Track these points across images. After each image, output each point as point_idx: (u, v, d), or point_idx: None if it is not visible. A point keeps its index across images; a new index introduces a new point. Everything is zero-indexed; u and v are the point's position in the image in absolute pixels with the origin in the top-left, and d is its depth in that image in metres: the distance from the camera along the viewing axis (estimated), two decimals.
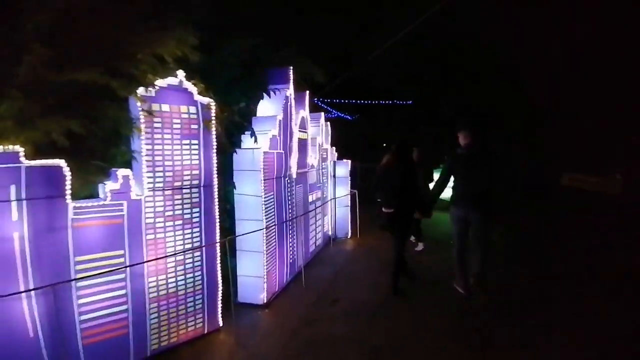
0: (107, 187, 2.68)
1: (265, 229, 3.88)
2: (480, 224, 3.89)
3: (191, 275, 3.16)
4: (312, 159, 5.78)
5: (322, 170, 6.39)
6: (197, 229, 3.18)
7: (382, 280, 4.55)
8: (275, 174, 4.21)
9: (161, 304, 2.99)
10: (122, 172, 2.73)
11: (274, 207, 4.16)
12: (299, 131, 5.08)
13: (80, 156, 2.77)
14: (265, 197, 3.91)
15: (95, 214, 2.65)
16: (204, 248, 3.22)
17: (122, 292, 2.78)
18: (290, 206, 4.71)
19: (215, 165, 3.30)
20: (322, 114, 6.49)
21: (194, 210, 3.15)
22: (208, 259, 3.27)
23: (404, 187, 4.14)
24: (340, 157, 10.70)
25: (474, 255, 3.96)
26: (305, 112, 5.32)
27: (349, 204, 7.01)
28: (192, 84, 3.05)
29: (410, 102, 13.93)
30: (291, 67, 4.65)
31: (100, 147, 2.81)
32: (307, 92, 5.45)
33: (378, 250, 6.11)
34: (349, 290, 4.43)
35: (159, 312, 2.98)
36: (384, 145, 7.88)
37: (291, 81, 4.64)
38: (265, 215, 3.92)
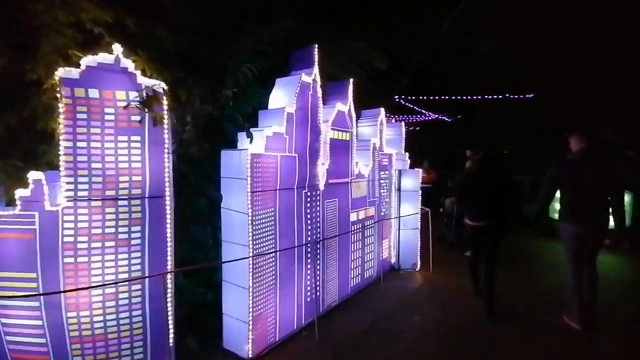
0: (17, 194, 2.15)
1: (252, 257, 2.87)
2: (596, 242, 3.47)
3: (126, 314, 2.39)
4: (362, 166, 4.51)
5: (380, 181, 5.02)
6: (138, 254, 2.41)
7: (443, 351, 3.01)
8: (279, 185, 3.17)
9: (86, 347, 2.31)
10: (33, 175, 2.16)
11: (273, 228, 3.12)
12: (334, 129, 3.93)
13: (10, 155, 2.34)
14: (256, 215, 2.92)
15: (6, 225, 2.15)
16: (147, 280, 2.42)
17: (38, 322, 2.22)
18: (312, 227, 3.59)
19: (168, 171, 2.49)
20: (382, 109, 5.14)
21: (134, 228, 2.39)
22: (153, 294, 2.45)
23: (493, 199, 3.75)
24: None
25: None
26: (345, 106, 4.14)
27: (419, 226, 5.38)
28: (133, 60, 2.31)
29: (531, 95, 10.77)
30: (316, 46, 3.57)
31: (27, 144, 2.33)
32: (350, 80, 4.25)
33: (452, 294, 4.37)
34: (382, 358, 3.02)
35: (83, 356, 2.31)
36: (469, 149, 5.87)
37: (315, 64, 3.56)
38: (256, 239, 2.92)
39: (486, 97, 10.56)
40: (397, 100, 10.13)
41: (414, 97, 10.26)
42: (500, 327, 3.56)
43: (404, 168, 5.55)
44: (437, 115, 12.37)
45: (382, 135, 5.10)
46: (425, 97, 10.67)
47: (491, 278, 3.78)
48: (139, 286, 2.41)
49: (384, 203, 5.13)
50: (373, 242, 4.84)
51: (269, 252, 3.07)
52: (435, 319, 3.78)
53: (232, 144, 3.21)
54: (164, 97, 2.39)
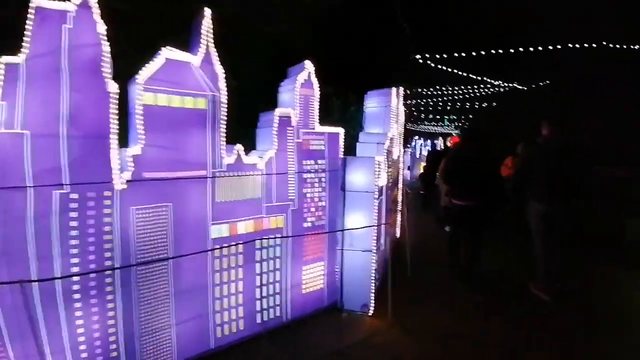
0: None
1: None
2: (564, 220, 3.77)
3: None
4: (259, 152, 2.87)
5: (309, 175, 3.26)
6: None
7: None
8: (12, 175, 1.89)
9: None
10: None
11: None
12: (160, 91, 2.40)
13: None
14: None
15: None
16: None
17: None
18: (95, 248, 2.22)
19: None
20: (393, 89, 4.07)
21: None
22: None
23: (479, 178, 3.95)
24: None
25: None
26: (188, 55, 2.54)
27: (375, 247, 3.40)
28: None
29: None
30: None
31: None
32: (207, 11, 2.59)
33: None
34: None
35: None
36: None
37: None
38: None
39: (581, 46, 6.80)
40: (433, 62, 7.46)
41: (464, 55, 7.21)
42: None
43: (384, 155, 3.63)
44: (507, 84, 8.88)
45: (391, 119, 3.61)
46: (487, 52, 7.48)
47: (475, 255, 4.16)
48: None
49: (313, 208, 3.35)
50: (278, 267, 3.16)
51: None
52: None
53: None
54: None
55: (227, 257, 2.83)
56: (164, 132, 2.47)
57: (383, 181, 3.84)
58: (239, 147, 2.83)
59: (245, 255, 2.91)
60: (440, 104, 12.92)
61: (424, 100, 12.24)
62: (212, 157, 2.70)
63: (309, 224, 3.33)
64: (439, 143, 18.76)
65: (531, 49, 6.65)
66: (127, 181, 2.33)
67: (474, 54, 6.47)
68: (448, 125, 20.58)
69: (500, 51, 6.48)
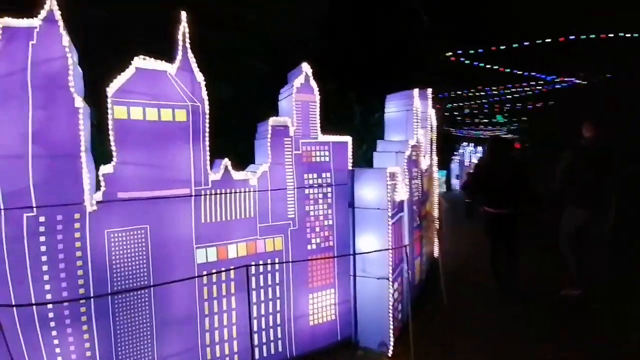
0: None
1: None
2: (599, 223, 3.75)
3: None
4: (254, 168, 2.61)
5: (312, 190, 2.90)
6: None
7: None
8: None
9: None
10: None
11: None
12: (130, 104, 2.23)
13: None
14: None
15: None
16: None
17: None
18: (66, 275, 2.06)
19: None
20: (415, 91, 3.83)
21: None
22: None
23: (508, 186, 3.95)
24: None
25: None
26: (163, 64, 2.35)
27: (392, 273, 2.87)
28: None
29: None
30: None
31: None
32: (183, 15, 2.40)
33: None
34: None
35: None
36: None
37: None
38: None
39: None
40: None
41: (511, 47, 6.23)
42: None
43: (405, 166, 3.19)
44: (568, 80, 7.64)
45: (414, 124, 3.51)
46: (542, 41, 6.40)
47: (511, 266, 4.12)
48: None
49: (317, 228, 2.96)
50: (279, 296, 2.79)
51: None
52: None
53: None
54: None
55: (217, 285, 2.54)
56: (140, 148, 2.28)
57: (403, 195, 3.33)
58: (226, 161, 2.56)
59: (238, 282, 2.60)
60: (486, 106, 11.81)
61: (470, 103, 11.26)
62: (196, 174, 2.46)
63: (314, 246, 2.94)
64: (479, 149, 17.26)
65: (589, 36, 5.60)
66: (99, 202, 2.16)
67: (515, 46, 5.62)
68: (501, 129, 18.88)
69: (548, 40, 5.55)
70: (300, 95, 2.89)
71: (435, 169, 5.50)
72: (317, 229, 2.96)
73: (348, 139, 3.13)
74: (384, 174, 2.86)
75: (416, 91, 3.96)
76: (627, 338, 3.14)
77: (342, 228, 3.07)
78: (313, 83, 2.94)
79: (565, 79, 7.87)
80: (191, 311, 2.45)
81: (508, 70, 6.82)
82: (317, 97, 2.98)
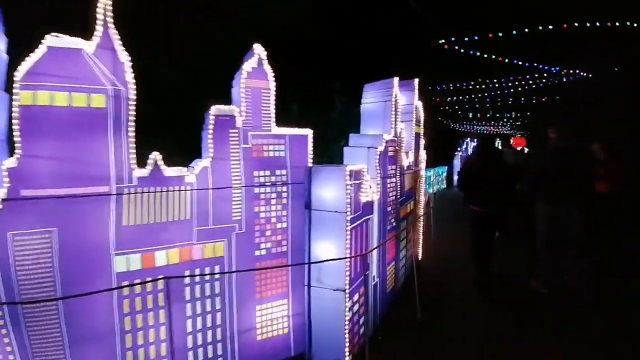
0: None
1: None
2: (571, 220, 3.94)
3: None
4: (198, 164, 2.27)
5: (264, 190, 2.56)
6: None
7: None
8: None
9: None
10: None
11: None
12: (29, 86, 1.90)
13: None
14: None
15: None
16: None
17: None
18: None
19: None
20: (395, 79, 3.45)
21: None
22: None
23: (494, 185, 3.95)
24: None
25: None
26: (75, 42, 2.01)
27: (350, 284, 2.53)
28: None
29: None
30: None
31: None
32: None
33: None
34: None
35: None
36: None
37: None
38: None
39: None
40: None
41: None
42: None
43: (376, 163, 2.84)
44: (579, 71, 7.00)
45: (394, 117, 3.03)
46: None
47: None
48: None
49: (269, 232, 2.63)
50: (219, 308, 2.47)
51: None
52: None
53: None
54: None
55: (142, 296, 2.23)
56: (48, 138, 1.95)
57: (372, 196, 2.99)
58: (156, 156, 2.23)
59: (168, 294, 2.29)
60: (488, 100, 11.24)
61: (472, 96, 10.72)
62: (117, 169, 2.13)
63: (263, 252, 2.61)
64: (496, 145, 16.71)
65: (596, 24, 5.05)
66: (4, 200, 1.85)
67: (514, 32, 5.10)
68: (505, 124, 18.28)
69: (550, 27, 5.02)
70: (251, 81, 2.53)
71: (422, 165, 5.12)
72: (268, 233, 2.63)
73: (308, 131, 2.77)
74: (342, 172, 2.51)
75: (396, 80, 3.57)
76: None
77: (298, 232, 2.73)
78: (267, 67, 2.58)
79: (572, 71, 7.32)
80: (110, 326, 2.16)
81: (507, 60, 6.29)
82: (272, 84, 2.61)
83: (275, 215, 2.65)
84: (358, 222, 2.71)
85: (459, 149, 18.97)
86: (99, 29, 2.06)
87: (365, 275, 2.93)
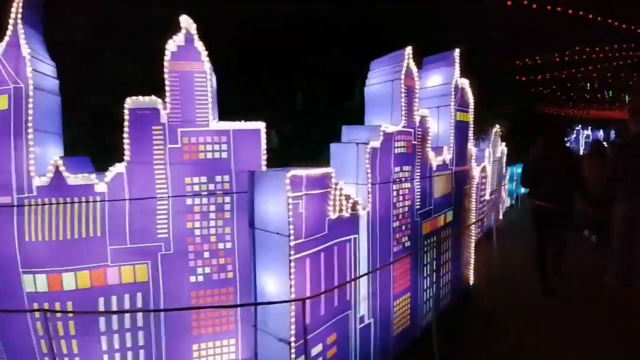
0: None
1: None
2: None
3: None
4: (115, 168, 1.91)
5: (207, 201, 2.05)
6: None
7: None
8: None
9: None
10: None
11: None
12: None
13: None
14: None
15: None
16: None
17: None
18: None
19: None
20: (406, 51, 3.62)
21: None
22: None
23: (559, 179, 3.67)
24: None
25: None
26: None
27: (293, 336, 1.79)
28: None
29: None
30: None
31: None
32: None
33: None
34: None
35: None
36: None
37: None
38: None
39: None
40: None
41: None
42: None
43: (367, 163, 2.14)
44: None
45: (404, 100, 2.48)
46: None
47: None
48: None
49: (207, 253, 2.09)
50: (142, 344, 2.03)
51: None
52: None
53: None
54: None
55: (52, 323, 1.93)
56: None
57: (355, 209, 2.20)
58: (58, 161, 1.89)
59: (80, 323, 1.95)
60: (579, 76, 8.49)
61: (573, 71, 8.28)
62: (17, 177, 1.86)
63: (200, 278, 2.08)
64: (600, 134, 13.13)
65: None
66: None
67: None
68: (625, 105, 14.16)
69: None
70: (178, 63, 2.01)
71: (472, 164, 3.92)
72: (207, 255, 2.09)
73: (260, 125, 2.13)
74: (282, 180, 1.80)
75: (408, 50, 2.64)
76: None
77: (247, 253, 2.13)
78: (199, 45, 2.03)
79: None
80: (28, 343, 1.91)
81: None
82: (207, 65, 2.05)
83: (215, 233, 2.10)
84: (319, 247, 1.97)
85: (566, 139, 15.50)
86: (10, 27, 1.82)
87: (343, 315, 2.17)
